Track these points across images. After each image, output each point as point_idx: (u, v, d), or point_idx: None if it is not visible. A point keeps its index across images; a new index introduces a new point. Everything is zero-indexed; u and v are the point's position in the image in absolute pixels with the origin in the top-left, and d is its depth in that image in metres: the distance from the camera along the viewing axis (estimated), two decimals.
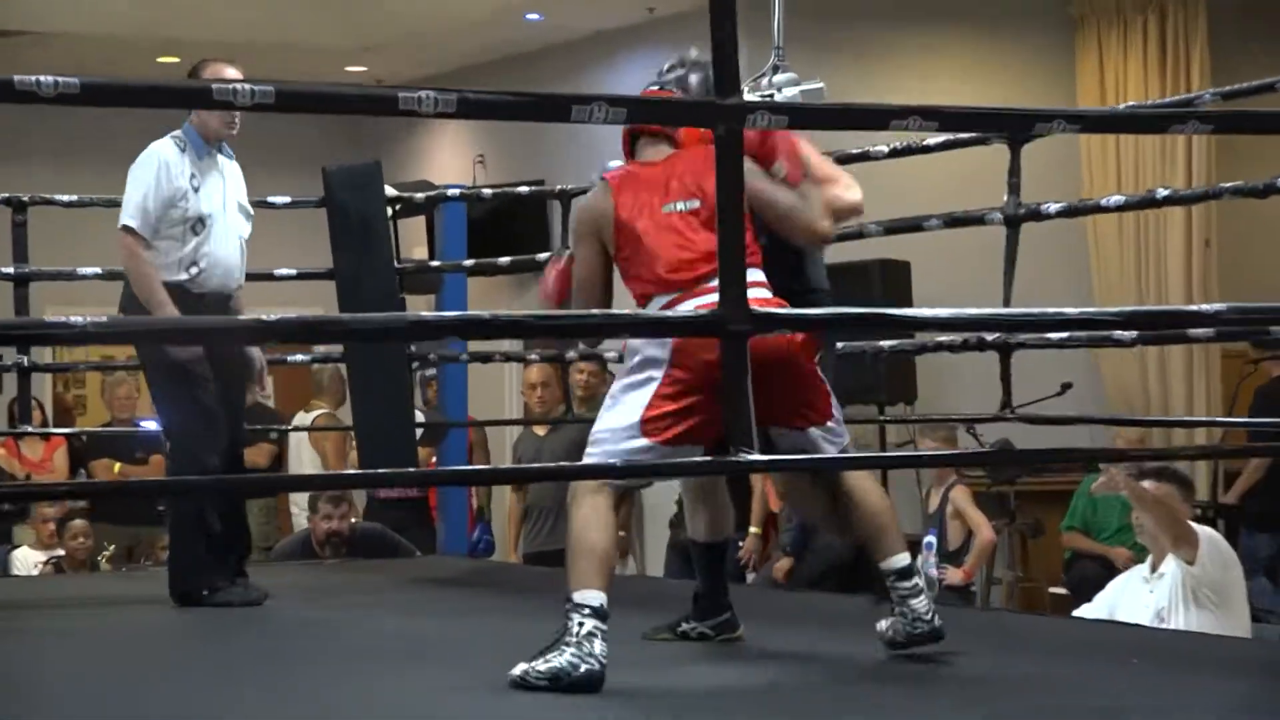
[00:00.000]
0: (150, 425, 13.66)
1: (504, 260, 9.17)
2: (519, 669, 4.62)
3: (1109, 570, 9.23)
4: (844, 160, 7.46)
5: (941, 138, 7.21)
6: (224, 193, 6.92)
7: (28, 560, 11.05)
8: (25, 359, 8.48)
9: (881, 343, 7.73)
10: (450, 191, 9.55)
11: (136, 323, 3.57)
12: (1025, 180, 6.81)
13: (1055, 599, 10.50)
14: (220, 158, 6.95)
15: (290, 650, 5.71)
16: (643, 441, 4.91)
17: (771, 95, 7.97)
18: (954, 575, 9.38)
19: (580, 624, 4.67)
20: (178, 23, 13.26)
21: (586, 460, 5.06)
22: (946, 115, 4.09)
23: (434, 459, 10.25)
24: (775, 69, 8.12)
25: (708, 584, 5.59)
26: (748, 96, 4.58)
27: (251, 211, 7.15)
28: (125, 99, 3.60)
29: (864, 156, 7.35)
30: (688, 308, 4.91)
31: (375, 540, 9.50)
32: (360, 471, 9.05)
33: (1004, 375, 7.10)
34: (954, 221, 7.17)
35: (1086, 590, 8.47)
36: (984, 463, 10.81)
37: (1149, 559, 7.11)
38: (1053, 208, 6.90)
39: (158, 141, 6.84)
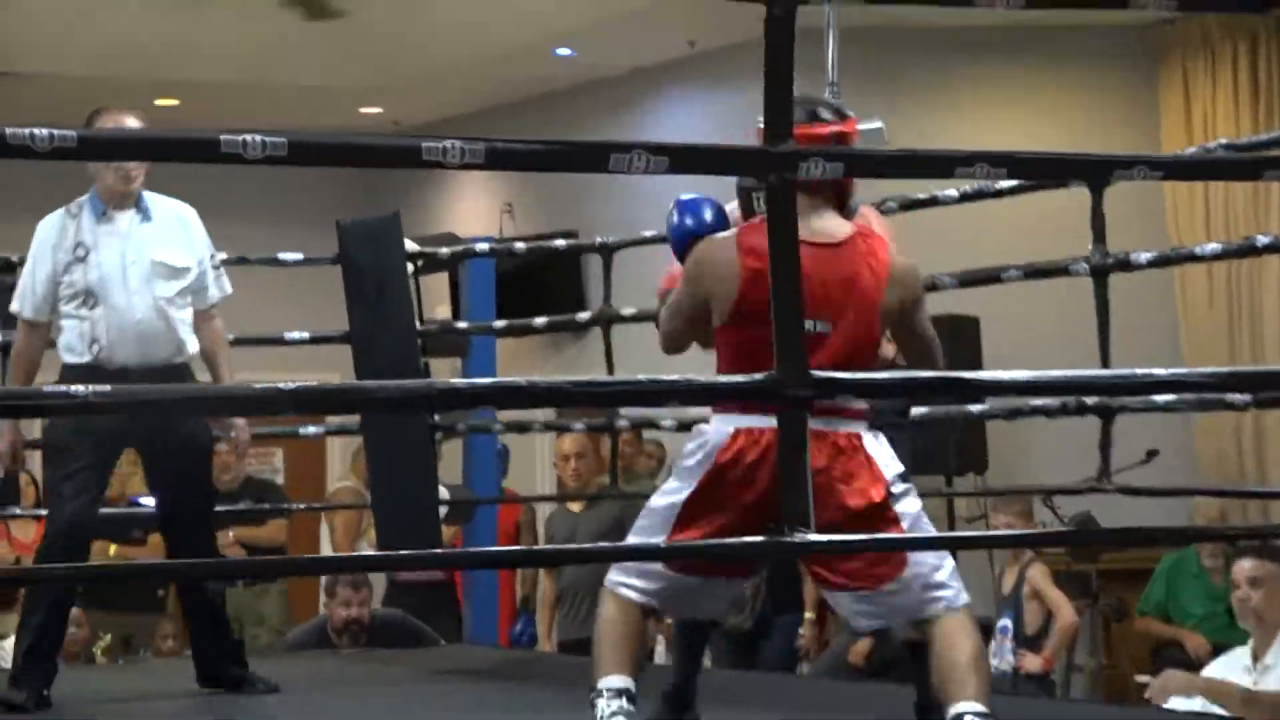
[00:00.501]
0: (148, 502, 13.77)
1: (539, 321, 9.14)
2: None
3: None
4: (909, 206, 7.48)
5: (1015, 182, 7.18)
6: (124, 256, 6.70)
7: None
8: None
9: (970, 407, 7.65)
10: (477, 246, 9.53)
11: (144, 391, 3.59)
12: (1108, 226, 6.79)
13: (1142, 688, 10.44)
14: (124, 216, 6.74)
15: None
16: (659, 568, 5.08)
17: None
18: (1032, 663, 9.32)
19: (605, 707, 4.84)
20: (175, 63, 13.32)
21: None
22: (1017, 162, 4.09)
23: (459, 538, 10.24)
24: None
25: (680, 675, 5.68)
26: None
27: (180, 266, 6.92)
28: (125, 152, 3.64)
29: (933, 202, 7.34)
30: None
31: (395, 628, 9.48)
32: (375, 554, 9.04)
33: (1104, 443, 6.96)
34: (1035, 273, 7.10)
35: None
36: (1067, 543, 10.75)
37: (1250, 644, 7.07)
38: (1143, 257, 6.84)
39: (50, 214, 6.81)
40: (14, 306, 6.68)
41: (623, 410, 8.62)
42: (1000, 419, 8.57)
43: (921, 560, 4.95)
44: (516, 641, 10.77)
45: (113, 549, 11.83)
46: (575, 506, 10.58)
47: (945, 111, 12.39)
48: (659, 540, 5.00)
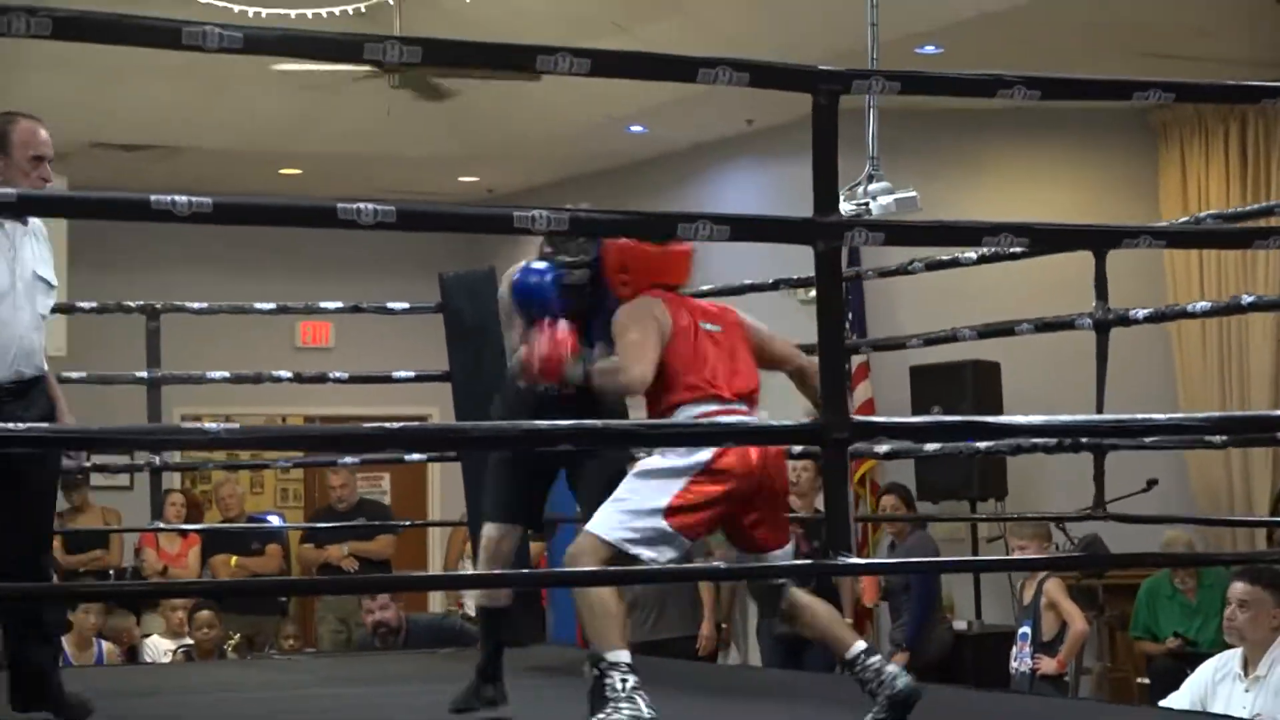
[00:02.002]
0: (272, 519, 13.88)
1: None
2: None
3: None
4: (934, 267, 7.48)
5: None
6: (13, 266, 5.86)
7: (158, 648, 11.13)
8: (157, 459, 8.54)
9: (978, 444, 7.67)
10: None
11: (267, 431, 3.59)
12: (1111, 283, 6.75)
13: (1142, 688, 10.39)
14: (11, 226, 5.91)
15: None
16: (664, 526, 5.05)
17: (866, 204, 8.02)
18: (1048, 665, 9.26)
19: (623, 680, 4.86)
20: (298, 137, 13.41)
21: (602, 514, 5.14)
22: (1037, 232, 4.10)
23: (545, 555, 10.24)
24: (870, 178, 8.16)
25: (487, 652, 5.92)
26: (843, 206, 4.57)
27: (55, 283, 6.12)
28: (256, 217, 3.64)
29: (954, 263, 7.33)
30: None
31: (434, 630, 9.41)
32: (466, 574, 9.01)
33: (1097, 476, 7.00)
34: (1045, 326, 7.10)
35: (1170, 682, 8.38)
36: (1075, 566, 10.71)
37: (1240, 652, 7.00)
38: (1140, 313, 6.82)
39: None
40: None
41: None
42: (1005, 454, 8.57)
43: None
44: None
45: (234, 560, 11.91)
46: None
47: (971, 181, 12.38)
48: (661, 505, 5.05)
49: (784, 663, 10.23)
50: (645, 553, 5.02)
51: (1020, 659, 9.29)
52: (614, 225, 3.82)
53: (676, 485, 5.07)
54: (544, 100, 12.35)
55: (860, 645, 5.20)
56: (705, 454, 5.04)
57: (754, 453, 5.09)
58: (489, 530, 5.85)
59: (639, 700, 4.82)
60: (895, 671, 5.12)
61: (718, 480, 5.07)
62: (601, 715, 4.80)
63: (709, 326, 5.39)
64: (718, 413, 5.17)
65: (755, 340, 5.59)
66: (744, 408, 5.27)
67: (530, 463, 5.87)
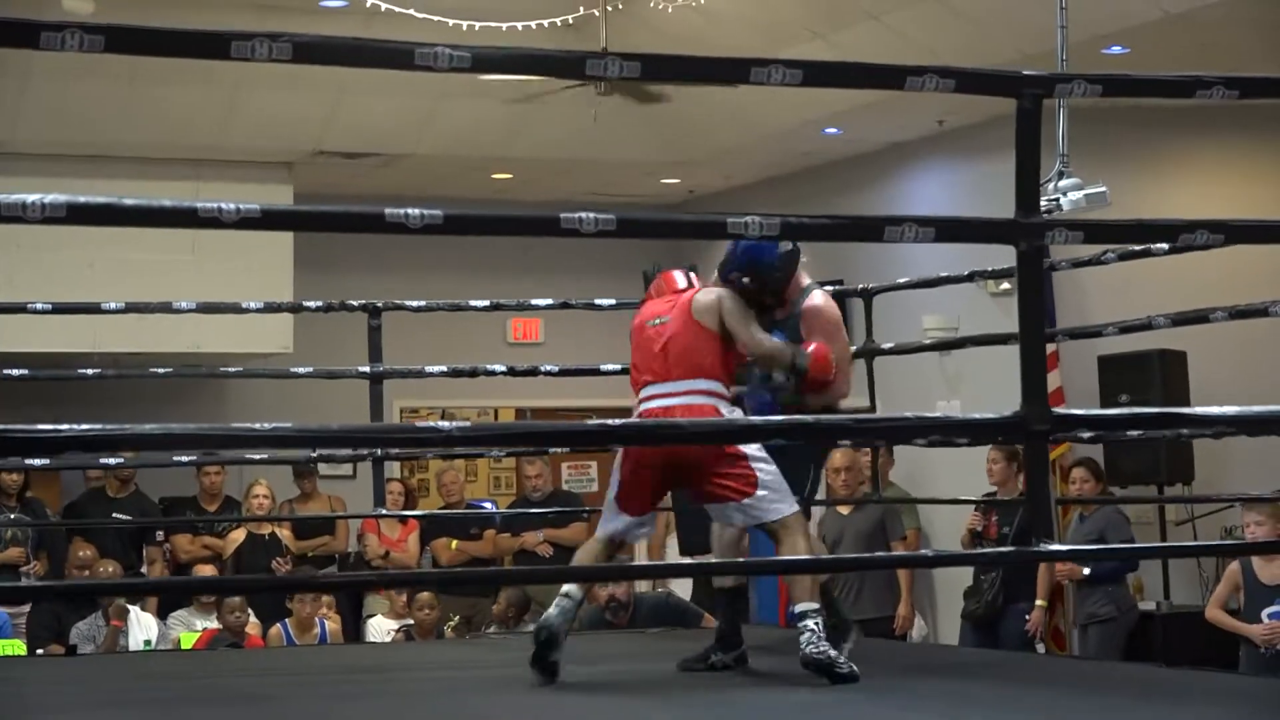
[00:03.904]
0: (486, 505, 14.00)
1: None
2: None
3: None
4: (1127, 257, 7.35)
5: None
6: None
7: (381, 628, 11.28)
8: (379, 450, 8.63)
9: (1170, 431, 7.54)
10: None
11: (493, 428, 3.62)
12: None
13: None
14: None
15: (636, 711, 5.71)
16: (619, 514, 6.11)
17: (1056, 200, 7.93)
18: None
19: (558, 602, 5.94)
20: (510, 144, 13.51)
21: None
22: (1233, 229, 4.01)
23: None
24: (1060, 174, 8.07)
25: (729, 624, 6.44)
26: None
27: None
28: (484, 228, 3.67)
29: (1146, 253, 7.21)
30: None
31: (661, 608, 9.42)
32: (670, 563, 9.04)
33: None
34: (1238, 314, 6.94)
35: None
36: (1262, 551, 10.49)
37: None
38: None
39: None
40: None
41: None
42: (1208, 436, 8.40)
43: (766, 484, 5.89)
44: (792, 620, 10.74)
45: (454, 544, 12.03)
46: (844, 510, 10.55)
47: (1157, 177, 12.19)
48: (612, 498, 6.13)
49: (979, 642, 10.18)
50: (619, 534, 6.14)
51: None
52: (823, 229, 3.80)
53: (616, 477, 6.12)
54: (743, 105, 12.34)
55: (805, 607, 5.82)
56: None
57: None
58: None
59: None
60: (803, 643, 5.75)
61: (626, 464, 6.07)
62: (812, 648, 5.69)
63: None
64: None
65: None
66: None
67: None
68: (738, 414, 6.10)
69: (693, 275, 6.36)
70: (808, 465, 6.36)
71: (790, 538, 5.92)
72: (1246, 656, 9.02)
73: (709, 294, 6.14)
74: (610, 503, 6.17)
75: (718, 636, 6.43)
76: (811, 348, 6.20)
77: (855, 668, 5.72)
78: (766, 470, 5.95)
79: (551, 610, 5.98)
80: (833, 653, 5.73)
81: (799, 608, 5.87)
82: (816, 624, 5.78)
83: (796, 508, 6.00)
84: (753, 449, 5.93)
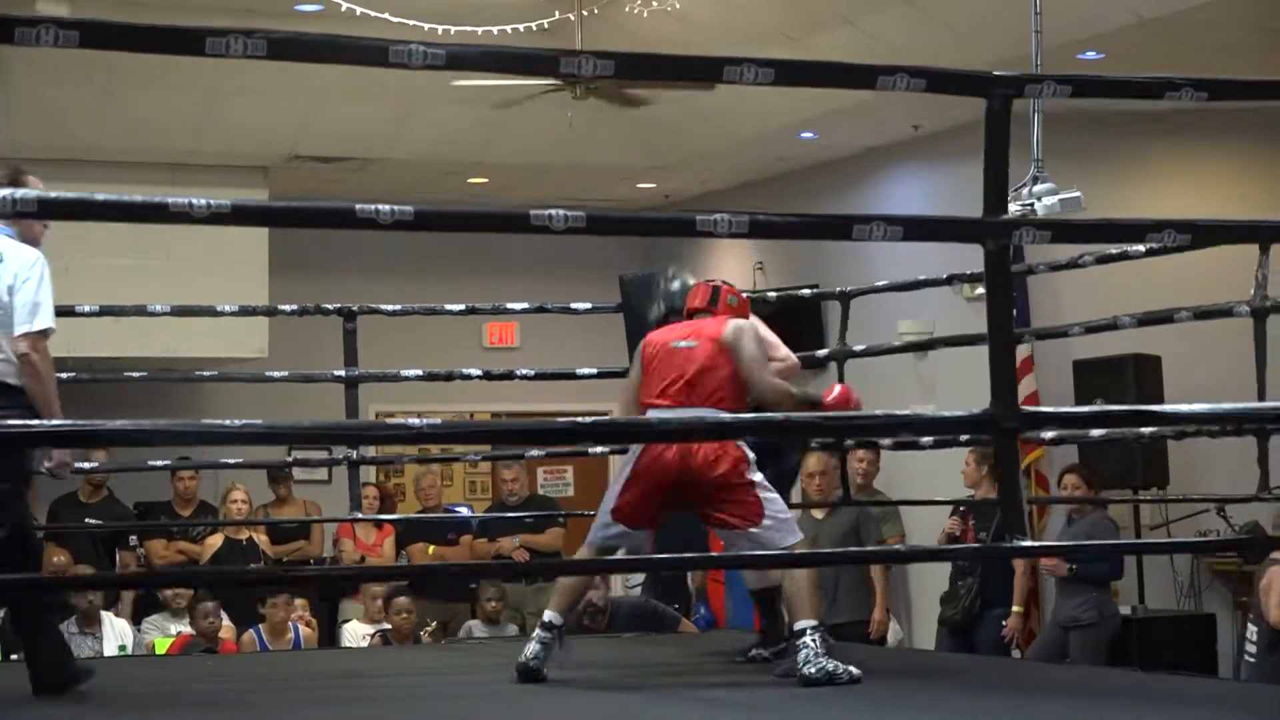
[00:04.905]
0: (462, 510, 14.01)
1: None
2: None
3: None
4: (1104, 260, 7.40)
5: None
6: None
7: (357, 633, 11.27)
8: (355, 453, 8.64)
9: (1143, 430, 7.59)
10: None
11: (463, 425, 3.64)
12: (1272, 275, 6.67)
13: None
14: None
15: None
16: (614, 524, 6.26)
17: (1031, 205, 7.95)
18: None
19: (536, 632, 6.18)
20: (485, 147, 13.51)
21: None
22: (1200, 228, 4.05)
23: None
24: (1035, 179, 8.09)
25: (768, 619, 6.89)
26: (1009, 207, 4.54)
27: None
28: (454, 224, 3.68)
29: (1124, 256, 7.25)
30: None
31: (637, 611, 9.43)
32: (651, 556, 9.04)
33: (1261, 459, 6.95)
34: (1202, 314, 7.01)
35: None
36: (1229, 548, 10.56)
37: None
38: None
39: (28, 245, 5.98)
40: (51, 324, 5.93)
41: None
42: (1172, 439, 8.46)
43: (773, 514, 6.07)
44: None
45: (431, 549, 12.04)
46: (818, 514, 10.57)
47: (1134, 182, 12.22)
48: (609, 509, 6.27)
49: (954, 647, 10.21)
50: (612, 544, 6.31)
51: None
52: (792, 227, 3.83)
53: (617, 489, 6.26)
54: (719, 109, 12.37)
55: (805, 624, 5.94)
56: (630, 464, 6.22)
57: (670, 456, 6.05)
58: None
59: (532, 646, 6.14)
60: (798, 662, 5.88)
61: (636, 482, 6.20)
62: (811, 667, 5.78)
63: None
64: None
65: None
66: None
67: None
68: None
69: (721, 290, 6.54)
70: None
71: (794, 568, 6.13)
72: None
73: (735, 329, 6.30)
74: (605, 515, 6.30)
75: (762, 631, 7.01)
76: (834, 394, 6.57)
77: (855, 670, 5.83)
78: (773, 501, 6.14)
79: (532, 647, 6.15)
80: (830, 666, 5.82)
81: (798, 625, 5.97)
82: (814, 640, 5.89)
83: (800, 536, 6.21)
84: (759, 477, 6.13)
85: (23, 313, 5.86)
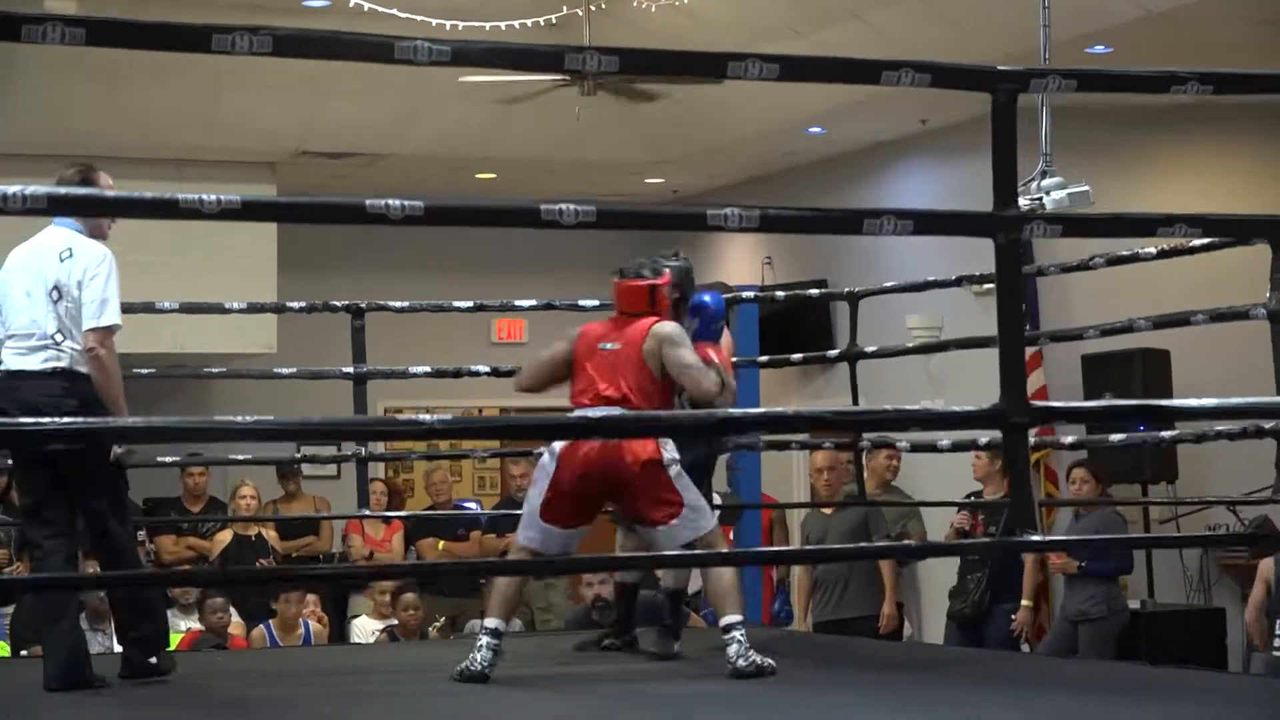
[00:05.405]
0: (471, 506, 14.00)
1: (795, 357, 9.24)
2: None
3: None
4: (1115, 262, 7.36)
5: (1205, 239, 7.00)
6: None
7: (366, 628, 11.28)
8: (364, 449, 8.65)
9: (1162, 433, 7.54)
10: (744, 294, 9.55)
11: (475, 421, 3.65)
12: None
13: None
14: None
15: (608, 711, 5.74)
16: (544, 524, 6.25)
17: (1040, 199, 7.95)
18: None
19: (481, 641, 6.12)
20: (493, 144, 13.54)
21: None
22: (1211, 222, 4.05)
23: (731, 537, 10.25)
24: (1043, 173, 8.08)
25: (672, 618, 7.15)
26: (1020, 201, 4.55)
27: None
28: (465, 219, 3.69)
29: (1134, 258, 7.21)
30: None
31: (647, 607, 9.44)
32: (651, 554, 9.03)
33: (1278, 462, 6.93)
34: (1219, 316, 6.94)
35: None
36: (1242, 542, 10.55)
37: None
38: None
39: (95, 240, 6.03)
40: (118, 320, 6.02)
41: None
42: (1190, 441, 8.41)
43: (689, 504, 6.21)
44: (776, 618, 10.79)
45: (441, 545, 12.04)
46: (827, 510, 10.57)
47: (1143, 177, 12.21)
48: (535, 507, 6.26)
49: (963, 641, 10.21)
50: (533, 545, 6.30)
51: None
52: (802, 221, 3.83)
53: (543, 489, 6.25)
54: (726, 105, 12.37)
55: (730, 620, 6.10)
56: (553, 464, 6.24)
57: (583, 458, 6.12)
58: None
59: (480, 655, 6.08)
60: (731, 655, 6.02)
61: (558, 484, 6.19)
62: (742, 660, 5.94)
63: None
64: None
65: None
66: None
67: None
68: (670, 445, 6.28)
69: (660, 279, 6.42)
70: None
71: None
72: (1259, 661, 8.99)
73: (657, 334, 6.31)
74: (532, 514, 6.32)
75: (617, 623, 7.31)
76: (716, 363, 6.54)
77: (770, 661, 6.04)
78: (689, 492, 6.28)
79: (477, 657, 6.12)
80: (759, 660, 6.01)
81: (724, 621, 6.17)
82: (743, 635, 6.07)
83: (715, 524, 6.42)
84: (675, 470, 6.24)
85: (91, 308, 5.96)
